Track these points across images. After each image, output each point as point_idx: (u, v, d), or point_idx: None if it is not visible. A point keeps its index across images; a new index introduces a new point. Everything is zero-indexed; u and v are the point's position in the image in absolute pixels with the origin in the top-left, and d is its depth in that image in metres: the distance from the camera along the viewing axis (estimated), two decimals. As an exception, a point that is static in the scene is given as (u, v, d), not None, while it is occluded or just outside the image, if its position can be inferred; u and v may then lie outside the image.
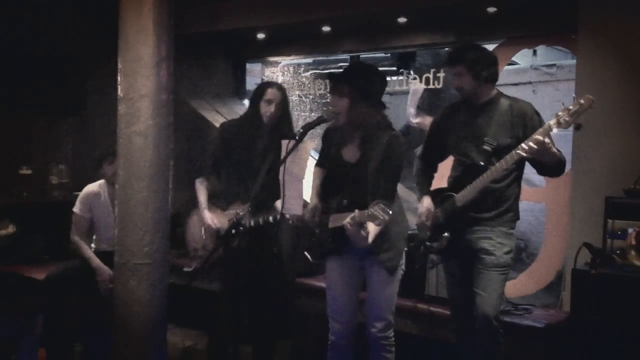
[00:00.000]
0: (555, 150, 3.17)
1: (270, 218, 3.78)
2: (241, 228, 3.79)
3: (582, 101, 3.05)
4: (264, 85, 4.03)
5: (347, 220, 3.09)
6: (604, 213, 3.46)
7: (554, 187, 4.42)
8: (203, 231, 4.04)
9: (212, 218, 3.96)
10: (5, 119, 5.43)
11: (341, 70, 3.46)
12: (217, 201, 4.08)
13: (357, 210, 3.06)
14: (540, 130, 3.13)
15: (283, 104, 3.96)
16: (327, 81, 3.46)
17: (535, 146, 3.09)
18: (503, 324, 3.37)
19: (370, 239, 3.14)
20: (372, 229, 3.14)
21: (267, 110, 3.89)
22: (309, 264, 4.45)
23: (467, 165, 3.44)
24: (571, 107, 3.06)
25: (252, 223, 3.78)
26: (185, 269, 4.23)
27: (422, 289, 4.14)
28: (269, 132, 3.94)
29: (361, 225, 3.07)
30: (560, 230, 4.31)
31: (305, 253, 4.37)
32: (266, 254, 4.00)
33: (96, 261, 4.26)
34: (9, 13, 5.28)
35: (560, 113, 3.08)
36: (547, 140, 3.10)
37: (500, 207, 3.38)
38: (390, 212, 3.01)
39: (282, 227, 3.95)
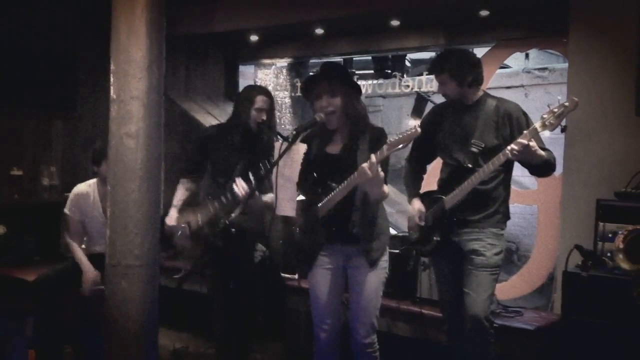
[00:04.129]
0: (542, 152, 3.17)
1: (226, 198, 3.76)
2: (233, 230, 3.82)
3: (566, 103, 3.07)
4: (253, 92, 4.00)
5: (365, 165, 3.01)
6: (595, 216, 3.48)
7: (545, 190, 4.44)
8: (175, 237, 4.00)
9: (172, 219, 3.95)
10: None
11: (318, 72, 3.39)
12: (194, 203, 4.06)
13: (372, 154, 3.01)
14: (526, 132, 3.15)
15: (272, 110, 4.00)
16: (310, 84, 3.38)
17: (519, 149, 3.10)
18: (494, 326, 3.37)
19: (386, 189, 3.11)
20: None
21: (259, 117, 3.92)
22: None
23: (455, 167, 3.45)
24: (556, 110, 3.07)
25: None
26: (175, 276, 4.23)
27: (414, 292, 4.15)
28: (254, 135, 3.96)
29: (378, 169, 3.01)
30: (552, 233, 4.32)
31: (294, 276, 4.37)
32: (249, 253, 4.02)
33: (85, 263, 4.25)
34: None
35: (545, 115, 3.10)
36: (532, 143, 3.11)
37: (489, 208, 3.39)
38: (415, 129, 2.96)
39: (274, 227, 3.94)
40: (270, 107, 3.97)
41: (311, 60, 6.33)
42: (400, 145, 2.98)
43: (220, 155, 3.99)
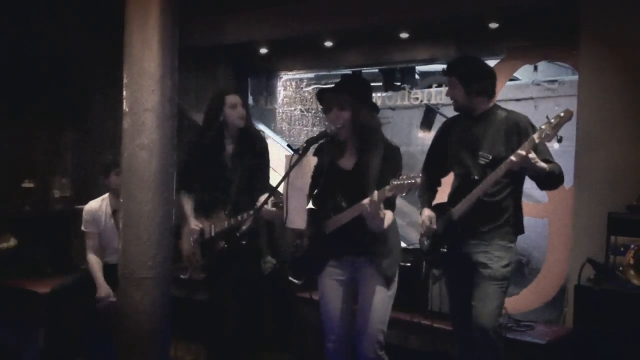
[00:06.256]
0: (542, 164, 3.16)
1: (245, 214, 3.76)
2: (238, 234, 3.82)
3: (562, 114, 3.08)
4: (220, 94, 3.98)
5: (365, 201, 3.05)
6: (607, 229, 3.47)
7: (556, 203, 4.42)
8: (191, 239, 4.01)
9: (197, 224, 3.95)
10: (7, 131, 5.43)
11: (330, 86, 3.43)
12: (201, 212, 4.03)
13: (376, 191, 3.03)
14: (525, 144, 3.15)
15: (246, 105, 3.97)
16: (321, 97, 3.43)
17: (517, 160, 3.11)
18: (505, 341, 3.35)
19: (385, 224, 3.12)
20: (387, 214, 3.15)
21: (236, 114, 3.89)
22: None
23: (464, 179, 3.45)
24: (552, 120, 3.09)
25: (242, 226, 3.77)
26: (182, 276, 4.22)
27: (425, 304, 4.14)
28: (237, 136, 3.94)
29: (379, 206, 3.04)
30: (562, 246, 4.31)
31: (290, 278, 4.35)
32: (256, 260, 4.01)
33: (100, 281, 4.26)
34: (9, 24, 5.30)
35: (543, 126, 3.11)
36: (531, 154, 3.11)
37: (496, 220, 3.37)
38: (420, 176, 2.97)
39: (284, 237, 3.94)
40: (243, 102, 3.94)
41: (322, 73, 6.36)
42: (404, 193, 3.00)
43: (214, 164, 3.95)
